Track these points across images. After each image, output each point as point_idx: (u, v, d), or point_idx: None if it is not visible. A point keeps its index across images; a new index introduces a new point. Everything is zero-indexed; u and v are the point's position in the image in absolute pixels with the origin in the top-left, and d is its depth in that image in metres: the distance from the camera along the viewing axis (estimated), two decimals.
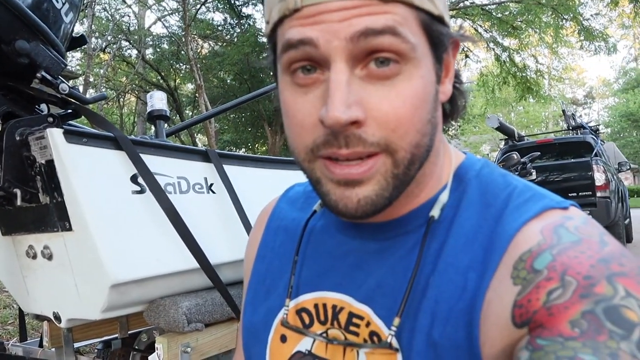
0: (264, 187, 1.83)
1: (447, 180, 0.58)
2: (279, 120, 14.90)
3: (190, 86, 18.37)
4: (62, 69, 1.38)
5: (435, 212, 0.55)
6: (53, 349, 1.82)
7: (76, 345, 1.86)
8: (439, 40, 0.51)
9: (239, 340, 0.76)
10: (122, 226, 1.39)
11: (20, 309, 1.92)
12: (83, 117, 1.55)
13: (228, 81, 16.59)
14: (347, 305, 0.59)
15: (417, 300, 0.53)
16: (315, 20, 0.47)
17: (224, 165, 1.67)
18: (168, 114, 1.84)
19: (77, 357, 1.83)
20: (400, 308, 0.53)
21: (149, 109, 1.83)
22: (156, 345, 1.49)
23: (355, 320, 0.58)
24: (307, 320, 0.62)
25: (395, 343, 0.53)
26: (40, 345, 1.93)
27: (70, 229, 1.35)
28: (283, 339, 0.64)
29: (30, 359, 1.64)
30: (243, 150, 18.61)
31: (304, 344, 0.62)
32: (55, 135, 1.29)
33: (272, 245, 0.72)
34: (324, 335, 0.60)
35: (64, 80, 1.41)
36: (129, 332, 1.94)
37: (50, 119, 1.34)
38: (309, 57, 0.48)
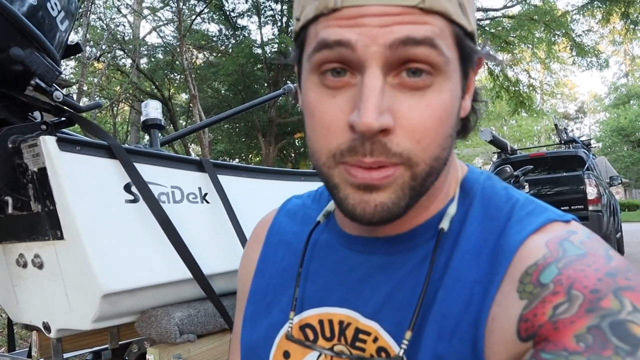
0: (259, 197, 1.83)
1: (454, 193, 0.58)
2: (273, 131, 14.99)
3: (184, 96, 18.36)
4: (57, 76, 1.37)
5: (444, 225, 0.54)
6: None
7: (65, 355, 1.83)
8: (469, 56, 0.52)
9: (233, 356, 0.75)
10: (115, 235, 1.37)
11: (9, 319, 1.90)
12: (77, 125, 1.54)
13: (222, 92, 16.60)
14: (354, 321, 0.58)
15: (423, 314, 0.53)
16: (355, 23, 0.47)
17: (218, 175, 1.66)
18: (163, 123, 1.83)
19: None
20: (411, 322, 0.52)
21: (143, 118, 1.82)
22: (147, 356, 1.47)
23: (362, 336, 0.57)
24: (311, 337, 0.61)
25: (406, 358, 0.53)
26: (29, 355, 1.90)
27: (61, 237, 1.34)
28: (286, 355, 0.62)
29: None
30: (237, 160, 18.59)
31: None
32: (48, 142, 1.28)
33: (273, 259, 0.70)
34: (331, 350, 0.59)
35: (58, 88, 1.40)
36: (119, 343, 1.92)
37: (44, 127, 1.33)
38: (343, 59, 0.48)
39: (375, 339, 0.56)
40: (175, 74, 15.94)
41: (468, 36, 0.51)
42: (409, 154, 0.48)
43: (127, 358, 1.83)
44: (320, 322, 0.61)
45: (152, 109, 1.81)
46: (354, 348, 0.57)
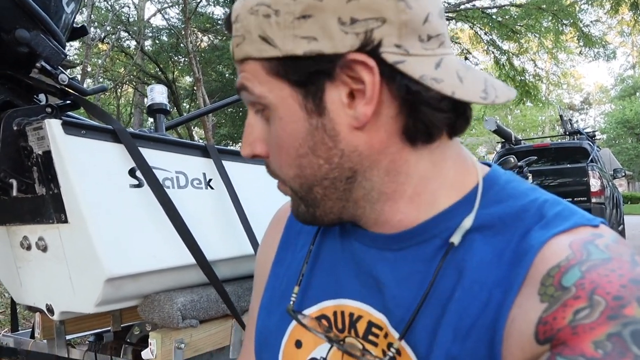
0: (263, 183, 1.82)
1: (461, 196, 0.56)
2: None
3: (188, 79, 18.31)
4: (62, 59, 1.37)
5: (455, 239, 0.53)
6: (45, 341, 1.81)
7: (68, 337, 1.84)
8: (300, 77, 0.52)
9: (248, 343, 0.75)
10: (119, 220, 1.37)
11: (12, 300, 1.91)
12: (81, 108, 1.53)
13: (226, 75, 16.55)
14: (365, 314, 0.58)
15: (437, 315, 0.52)
16: None
17: (223, 161, 1.66)
18: (168, 108, 1.83)
19: (68, 349, 1.82)
20: (405, 327, 0.52)
21: (149, 102, 1.81)
22: (150, 340, 1.48)
23: (374, 330, 0.57)
24: (325, 327, 0.61)
25: (409, 356, 0.53)
26: (32, 336, 1.91)
27: (66, 221, 1.34)
28: (298, 344, 0.63)
29: (21, 350, 1.63)
30: (239, 144, 18.55)
31: (319, 351, 0.61)
32: (53, 126, 1.28)
33: (293, 248, 0.70)
34: (341, 343, 0.59)
35: (63, 70, 1.39)
36: (121, 326, 1.93)
37: (49, 110, 1.32)
38: None
39: (386, 335, 0.56)
40: (180, 57, 15.88)
41: (290, 59, 0.51)
42: (278, 174, 0.58)
43: (128, 340, 1.85)
44: (335, 313, 0.61)
45: (158, 94, 1.80)
46: (367, 341, 0.57)
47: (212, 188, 1.63)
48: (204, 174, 1.62)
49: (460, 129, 0.56)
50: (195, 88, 12.47)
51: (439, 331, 0.51)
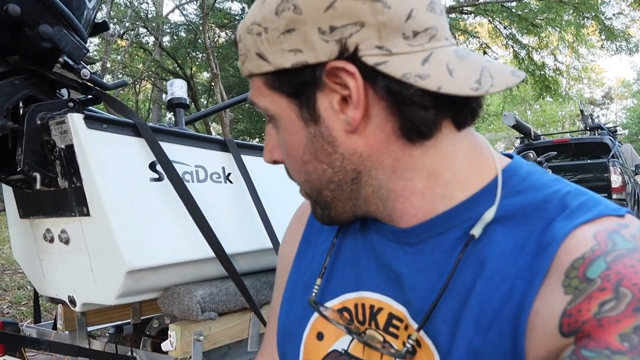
0: (281, 178, 1.83)
1: (479, 188, 0.56)
2: None
3: (206, 75, 18.40)
4: (84, 54, 1.38)
5: (476, 231, 0.53)
6: (67, 332, 1.84)
7: (89, 328, 1.87)
8: (292, 88, 0.55)
9: (270, 335, 0.76)
10: (140, 213, 1.39)
11: (35, 291, 1.94)
12: (102, 102, 1.55)
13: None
14: (386, 306, 0.58)
15: (458, 306, 0.52)
16: None
17: (242, 156, 1.67)
18: (187, 102, 1.84)
19: (90, 340, 1.84)
20: (424, 318, 0.53)
21: (169, 97, 1.83)
22: (169, 332, 1.50)
23: (395, 322, 0.57)
24: (347, 319, 0.62)
25: (433, 353, 0.53)
26: (54, 327, 1.94)
27: (88, 214, 1.36)
28: (319, 336, 0.63)
29: (44, 341, 1.65)
30: (257, 140, 18.63)
31: (340, 343, 0.61)
32: (75, 120, 1.30)
33: (315, 242, 0.71)
34: (362, 335, 0.59)
35: (85, 65, 1.41)
36: (141, 318, 1.96)
37: (71, 104, 1.34)
38: None
39: (407, 327, 0.56)
40: (198, 53, 15.96)
41: (281, 72, 0.54)
42: (292, 178, 0.62)
43: (148, 333, 1.87)
44: (356, 305, 0.61)
45: (178, 88, 1.82)
46: (387, 333, 0.58)
47: (231, 182, 1.64)
48: (223, 168, 1.63)
49: (466, 121, 0.55)
50: (212, 84, 12.52)
51: (460, 323, 0.51)
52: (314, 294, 0.63)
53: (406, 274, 0.57)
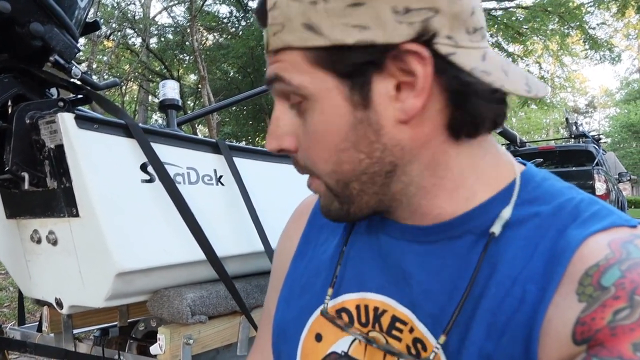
0: (274, 181, 1.82)
1: (496, 191, 0.55)
2: None
3: (193, 77, 18.33)
4: (76, 53, 1.37)
5: (496, 229, 0.52)
6: (52, 335, 1.81)
7: (75, 331, 1.85)
8: (348, 67, 0.50)
9: (263, 335, 0.75)
10: (130, 214, 1.37)
11: (20, 293, 1.91)
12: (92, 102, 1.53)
13: (231, 74, 16.56)
14: (390, 308, 0.57)
15: (469, 311, 0.51)
16: None
17: (234, 158, 1.66)
18: (179, 104, 1.83)
19: (76, 343, 1.82)
20: (448, 324, 0.51)
21: (161, 97, 1.81)
22: (158, 335, 1.48)
23: (398, 324, 0.56)
24: (346, 321, 0.60)
25: (441, 358, 0.52)
26: (39, 330, 1.92)
27: (77, 215, 1.34)
28: (318, 338, 0.62)
29: (30, 343, 1.63)
30: (243, 143, 18.60)
31: (340, 345, 0.60)
32: (66, 119, 1.28)
33: (316, 242, 0.70)
34: (365, 336, 0.58)
35: (76, 65, 1.39)
36: (128, 321, 1.94)
37: (61, 104, 1.32)
38: None
39: (412, 330, 0.55)
40: (185, 55, 15.91)
41: (336, 49, 0.50)
42: (311, 169, 0.56)
43: (134, 335, 1.85)
44: (357, 307, 0.60)
45: (170, 89, 1.80)
46: (390, 336, 0.56)
47: (222, 184, 1.63)
48: (215, 170, 1.62)
49: (501, 123, 0.55)
50: (200, 86, 12.48)
51: (471, 328, 0.50)
52: (326, 304, 0.61)
53: (415, 275, 0.56)
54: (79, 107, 1.54)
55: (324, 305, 0.61)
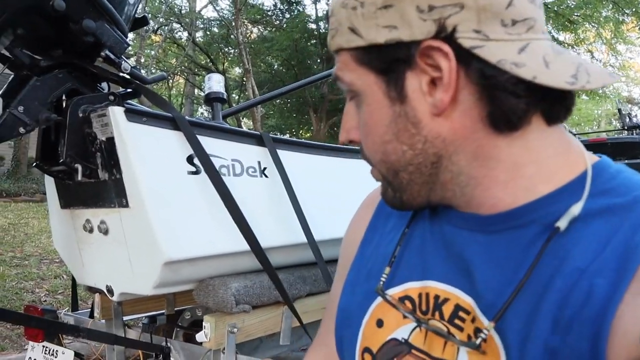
0: (317, 173, 1.84)
1: (564, 182, 0.54)
2: (325, 107, 14.94)
3: (237, 70, 18.53)
4: (125, 48, 1.41)
5: (562, 224, 0.51)
6: (103, 321, 1.88)
7: (125, 318, 1.91)
8: (382, 64, 0.54)
9: (327, 322, 0.75)
10: (177, 205, 1.41)
11: (73, 280, 1.99)
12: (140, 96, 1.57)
13: (275, 66, 16.67)
14: (453, 297, 0.57)
15: (533, 304, 0.50)
16: None
17: (277, 150, 1.68)
18: (225, 97, 1.86)
19: (125, 329, 1.88)
20: (499, 312, 0.51)
21: (206, 91, 1.85)
22: (204, 323, 1.52)
23: (461, 313, 0.56)
24: (410, 308, 0.60)
25: (498, 347, 0.51)
26: (91, 316, 1.99)
27: (127, 205, 1.38)
28: (379, 323, 0.62)
29: (83, 328, 1.70)
30: (287, 135, 18.70)
31: (401, 332, 0.60)
32: (117, 113, 1.32)
33: (382, 230, 0.70)
34: (425, 322, 0.57)
35: (126, 59, 1.44)
36: (175, 309, 1.99)
37: (112, 97, 1.37)
38: None
39: (474, 319, 0.54)
40: (230, 48, 16.10)
41: (373, 48, 0.54)
42: (369, 158, 0.61)
43: (180, 324, 1.90)
44: (420, 295, 0.60)
45: (215, 83, 1.83)
46: (452, 325, 0.56)
47: (266, 176, 1.65)
48: (259, 162, 1.64)
49: (558, 117, 0.54)
50: (244, 79, 12.62)
51: (536, 321, 0.49)
52: (381, 282, 0.62)
53: (478, 265, 0.55)
54: (129, 101, 1.59)
55: (379, 283, 0.62)
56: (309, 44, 15.05)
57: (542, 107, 0.53)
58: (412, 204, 0.60)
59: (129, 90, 1.51)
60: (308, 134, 18.40)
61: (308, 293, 1.76)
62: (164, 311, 2.00)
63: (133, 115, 1.35)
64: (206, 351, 1.57)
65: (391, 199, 0.61)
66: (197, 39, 15.61)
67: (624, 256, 0.48)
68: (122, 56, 1.46)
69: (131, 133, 1.34)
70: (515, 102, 0.51)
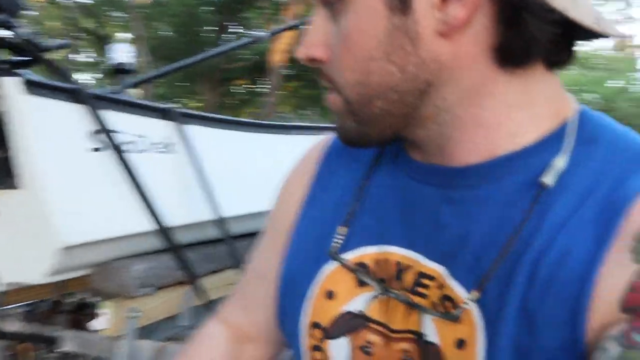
0: (227, 149, 1.80)
1: (551, 129, 0.49)
2: (216, 76, 14.56)
3: (121, 36, 17.57)
4: (19, 8, 1.28)
5: (548, 179, 0.46)
6: None
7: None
8: None
9: (238, 296, 0.69)
10: (77, 185, 1.33)
11: None
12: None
13: (170, 33, 16.01)
14: (415, 263, 0.51)
15: (510, 263, 0.46)
16: None
17: (185, 125, 1.62)
18: (132, 68, 1.74)
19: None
20: (483, 278, 0.46)
21: (110, 61, 1.73)
22: (104, 309, 1.45)
23: (424, 280, 0.50)
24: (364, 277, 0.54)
25: (473, 313, 0.47)
26: None
27: (18, 186, 1.28)
28: (329, 295, 0.55)
29: None
30: (179, 105, 18.09)
31: (354, 303, 0.53)
32: (12, 84, 1.20)
33: (331, 185, 0.62)
34: (387, 289, 0.52)
35: (22, 24, 1.30)
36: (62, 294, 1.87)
37: (5, 66, 1.23)
38: None
39: (441, 286, 0.49)
40: (118, 12, 15.19)
41: None
42: (335, 80, 0.50)
43: (67, 309, 1.80)
44: (377, 262, 0.53)
45: (120, 53, 1.72)
46: (414, 294, 0.50)
47: (173, 153, 1.59)
48: (166, 138, 1.58)
49: (561, 62, 0.49)
50: (137, 45, 11.98)
51: (511, 283, 0.45)
52: (336, 244, 0.55)
53: (449, 225, 0.50)
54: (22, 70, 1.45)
55: (333, 246, 0.55)
56: (203, 9, 14.52)
57: (549, 49, 0.47)
58: (376, 140, 0.52)
59: (24, 58, 1.37)
60: (200, 104, 17.94)
61: (212, 271, 1.74)
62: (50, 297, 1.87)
63: (31, 87, 1.24)
64: (103, 338, 1.50)
65: (350, 132, 0.52)
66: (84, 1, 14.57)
67: (605, 209, 0.44)
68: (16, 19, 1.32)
69: (27, 106, 1.22)
70: (544, 30, 0.44)
